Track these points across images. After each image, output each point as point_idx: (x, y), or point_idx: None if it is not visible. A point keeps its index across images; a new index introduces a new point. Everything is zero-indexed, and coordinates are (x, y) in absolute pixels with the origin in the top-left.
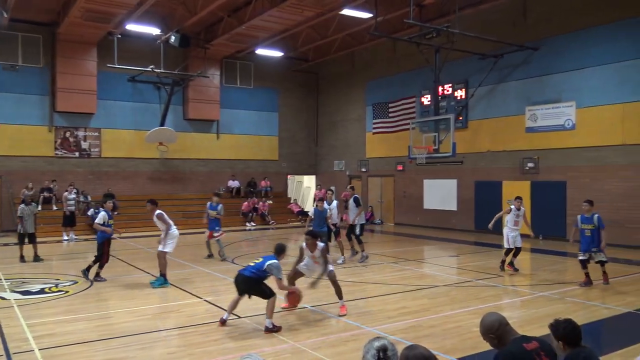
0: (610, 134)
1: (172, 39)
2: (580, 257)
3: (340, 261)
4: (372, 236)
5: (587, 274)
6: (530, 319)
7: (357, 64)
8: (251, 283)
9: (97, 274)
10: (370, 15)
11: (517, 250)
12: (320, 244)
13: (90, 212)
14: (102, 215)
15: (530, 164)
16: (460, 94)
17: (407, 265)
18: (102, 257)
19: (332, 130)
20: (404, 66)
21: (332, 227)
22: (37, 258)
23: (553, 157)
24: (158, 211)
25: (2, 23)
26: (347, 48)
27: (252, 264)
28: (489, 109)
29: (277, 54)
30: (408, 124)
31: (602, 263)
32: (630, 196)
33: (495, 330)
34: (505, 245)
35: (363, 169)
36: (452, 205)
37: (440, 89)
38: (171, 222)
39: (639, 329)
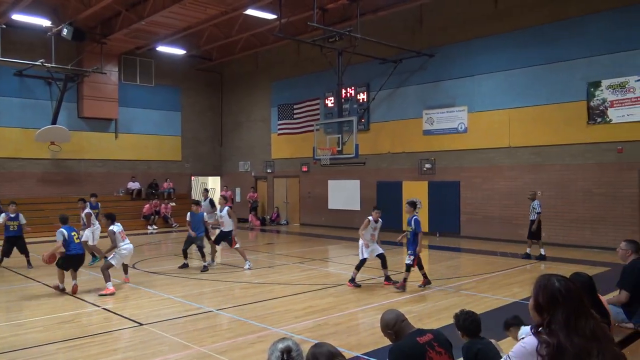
0: (498, 137)
1: (65, 31)
2: (406, 261)
3: (246, 267)
4: (278, 237)
5: (404, 279)
6: (428, 312)
7: (261, 64)
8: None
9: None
10: (275, 16)
11: (383, 261)
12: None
13: None
14: (2, 216)
15: (427, 165)
16: (362, 96)
17: (312, 264)
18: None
19: (237, 131)
20: (308, 68)
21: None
22: None
23: (448, 159)
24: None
25: None
26: (252, 48)
27: (78, 241)
28: (389, 111)
29: (179, 51)
30: (312, 125)
31: (407, 267)
32: (515, 194)
33: (392, 326)
34: (360, 256)
35: (268, 170)
36: (356, 205)
37: (343, 91)
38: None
39: (524, 317)
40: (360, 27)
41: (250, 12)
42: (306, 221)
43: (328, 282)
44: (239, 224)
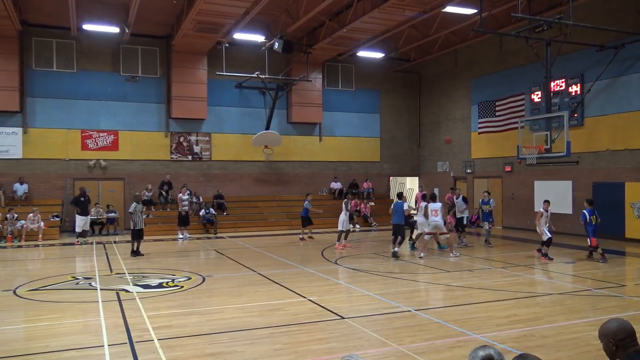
0: None
1: (276, 45)
2: None
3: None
4: (478, 239)
5: None
6: None
7: (460, 61)
8: None
9: None
10: (475, 11)
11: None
12: None
13: (202, 212)
14: None
15: None
16: (574, 89)
17: (516, 270)
18: None
19: (435, 131)
20: (512, 62)
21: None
22: (137, 253)
23: None
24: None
25: (124, 38)
26: (450, 46)
27: None
28: (607, 104)
29: (378, 55)
30: (517, 122)
31: None
32: None
33: (615, 335)
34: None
35: (468, 170)
36: (567, 208)
37: (552, 84)
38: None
39: None
40: (572, 12)
41: (449, 9)
42: (510, 224)
43: (534, 291)
44: None
